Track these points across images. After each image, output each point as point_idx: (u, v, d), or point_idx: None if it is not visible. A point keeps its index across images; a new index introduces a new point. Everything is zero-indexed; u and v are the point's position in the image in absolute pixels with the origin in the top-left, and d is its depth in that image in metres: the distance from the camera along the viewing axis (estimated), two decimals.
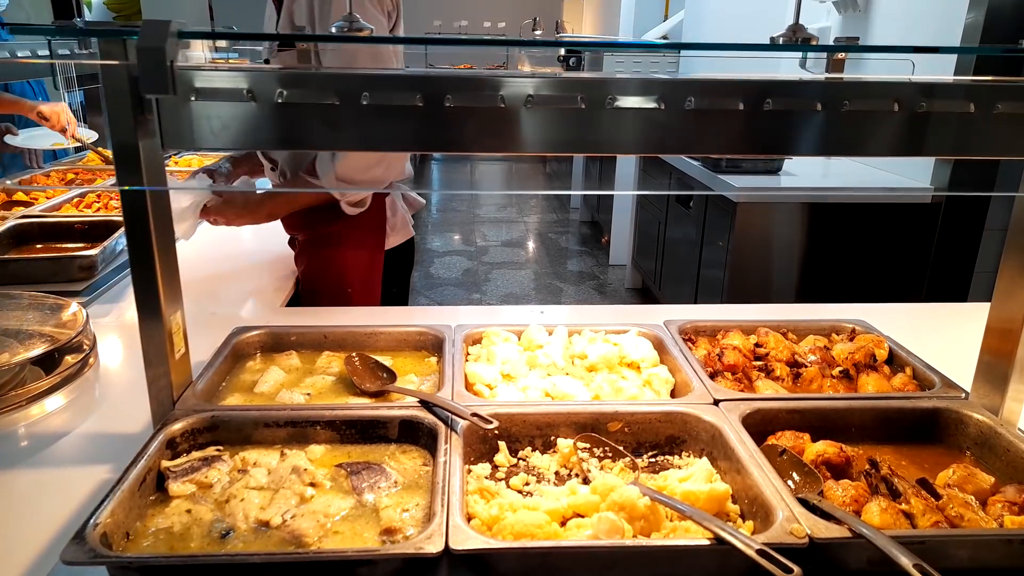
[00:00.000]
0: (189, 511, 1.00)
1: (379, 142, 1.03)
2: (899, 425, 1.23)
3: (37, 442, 1.27)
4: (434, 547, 0.87)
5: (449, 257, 6.67)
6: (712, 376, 1.33)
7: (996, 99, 1.00)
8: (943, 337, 1.71)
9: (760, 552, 0.83)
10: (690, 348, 1.45)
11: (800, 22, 0.88)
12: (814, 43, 0.88)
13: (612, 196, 6.43)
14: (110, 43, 0.96)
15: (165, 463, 1.06)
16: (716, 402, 1.22)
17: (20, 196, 2.59)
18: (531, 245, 7.22)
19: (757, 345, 1.43)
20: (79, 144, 3.29)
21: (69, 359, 1.49)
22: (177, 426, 1.11)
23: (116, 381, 1.50)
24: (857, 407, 1.23)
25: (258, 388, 1.32)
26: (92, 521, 0.88)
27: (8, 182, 2.78)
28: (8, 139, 3.19)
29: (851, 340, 1.47)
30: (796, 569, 0.80)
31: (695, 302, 4.22)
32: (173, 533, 0.96)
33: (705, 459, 1.12)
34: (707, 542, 0.89)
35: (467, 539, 0.88)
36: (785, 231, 3.75)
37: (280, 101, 0.94)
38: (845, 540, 0.89)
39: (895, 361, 1.44)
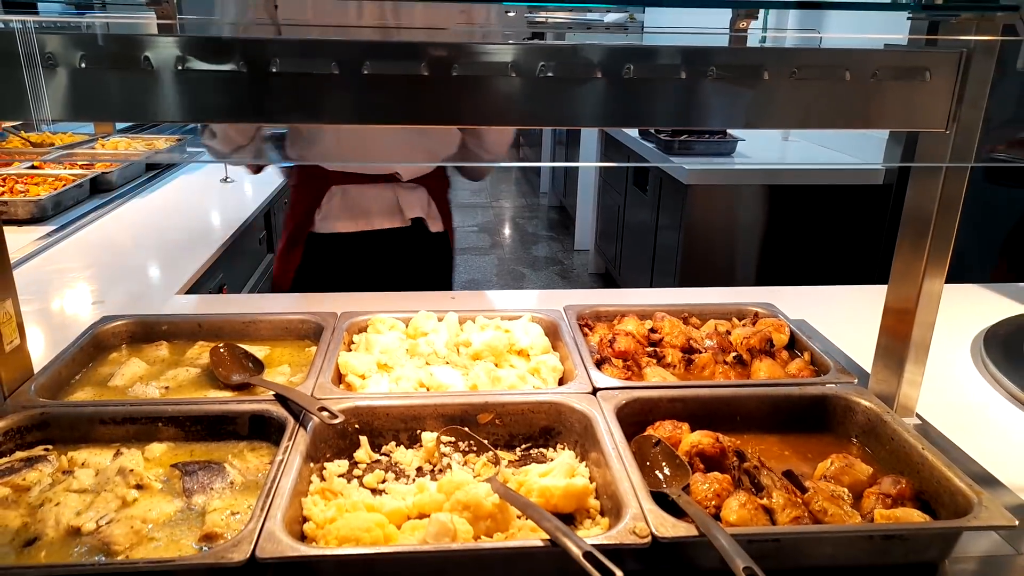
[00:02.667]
0: None
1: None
2: (787, 413, 1.16)
3: None
4: (239, 555, 0.79)
5: None
6: (600, 363, 1.26)
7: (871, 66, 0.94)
8: (859, 320, 1.65)
9: (586, 555, 0.76)
10: (586, 334, 1.37)
11: None
12: None
13: (578, 181, 6.35)
14: None
15: None
16: (595, 391, 1.15)
17: None
18: (500, 230, 7.13)
19: (652, 331, 1.36)
20: None
21: None
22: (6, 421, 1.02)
23: None
24: (743, 395, 1.17)
25: (112, 382, 1.23)
26: None
27: None
28: None
29: (753, 324, 1.41)
30: (617, 572, 0.73)
31: (651, 286, 4.16)
32: None
33: (568, 452, 1.05)
34: (540, 543, 0.82)
35: (277, 547, 0.80)
36: (738, 214, 3.70)
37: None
38: (689, 539, 0.83)
39: (796, 346, 1.37)
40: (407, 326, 1.40)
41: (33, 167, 2.72)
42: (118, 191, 2.68)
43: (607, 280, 5.61)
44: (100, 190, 2.65)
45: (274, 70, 0.88)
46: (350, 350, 1.33)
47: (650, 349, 1.33)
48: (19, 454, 1.02)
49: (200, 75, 0.88)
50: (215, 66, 0.88)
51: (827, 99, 0.99)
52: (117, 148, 3.16)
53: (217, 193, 2.88)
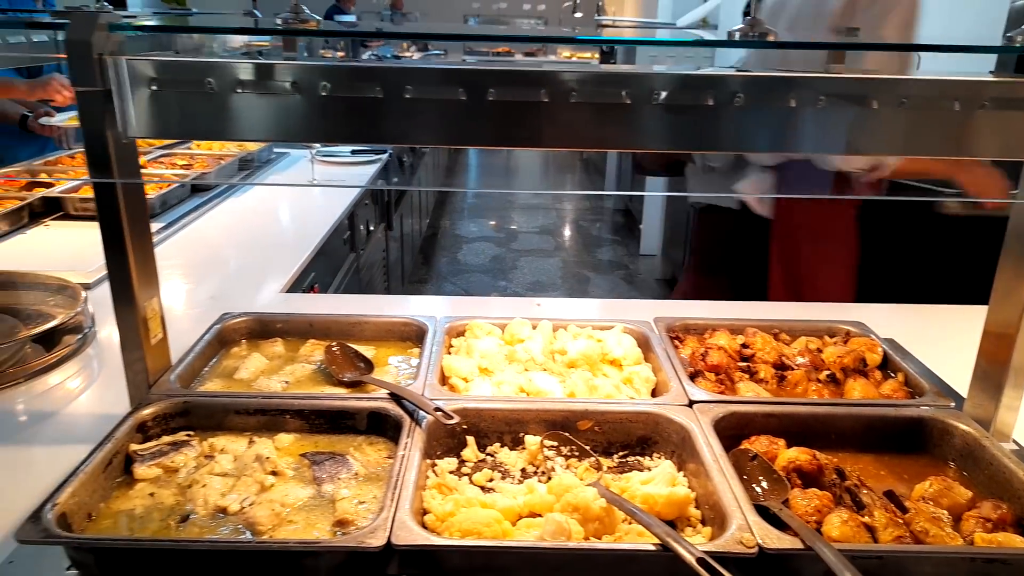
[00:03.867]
0: (152, 494, 1.02)
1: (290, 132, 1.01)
2: (882, 433, 1.18)
3: (33, 418, 1.31)
4: (377, 541, 0.87)
5: (478, 243, 6.67)
6: (694, 377, 1.30)
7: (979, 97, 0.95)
8: (953, 342, 1.64)
9: (700, 561, 0.81)
10: (677, 347, 1.42)
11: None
12: (771, 39, 0.84)
13: (646, 185, 6.35)
14: (75, 39, 0.97)
15: (134, 446, 1.08)
16: (691, 403, 1.20)
17: (43, 177, 2.66)
18: (563, 232, 7.18)
19: (744, 346, 1.40)
20: None
21: (68, 338, 1.54)
22: (148, 411, 1.13)
23: (112, 361, 1.53)
24: (838, 413, 1.19)
25: (238, 375, 1.34)
26: (51, 502, 0.91)
27: (33, 163, 2.86)
28: (44, 121, 3.28)
29: (845, 343, 1.42)
30: None
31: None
32: (134, 515, 0.99)
33: (669, 462, 1.10)
34: (652, 547, 0.87)
35: (410, 535, 0.88)
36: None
37: (239, 92, 0.94)
38: (796, 552, 0.87)
39: (889, 366, 1.39)
40: (503, 332, 1.47)
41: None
42: (214, 191, 2.84)
43: (674, 287, 5.58)
44: (198, 190, 2.81)
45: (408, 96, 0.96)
46: (449, 353, 1.41)
47: (742, 364, 1.36)
48: (165, 439, 1.12)
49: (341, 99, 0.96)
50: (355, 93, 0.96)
51: (933, 127, 1.01)
52: (211, 148, 3.34)
53: (304, 194, 3.02)
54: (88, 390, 1.42)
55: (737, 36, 0.86)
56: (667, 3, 8.04)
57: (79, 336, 1.55)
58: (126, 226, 1.10)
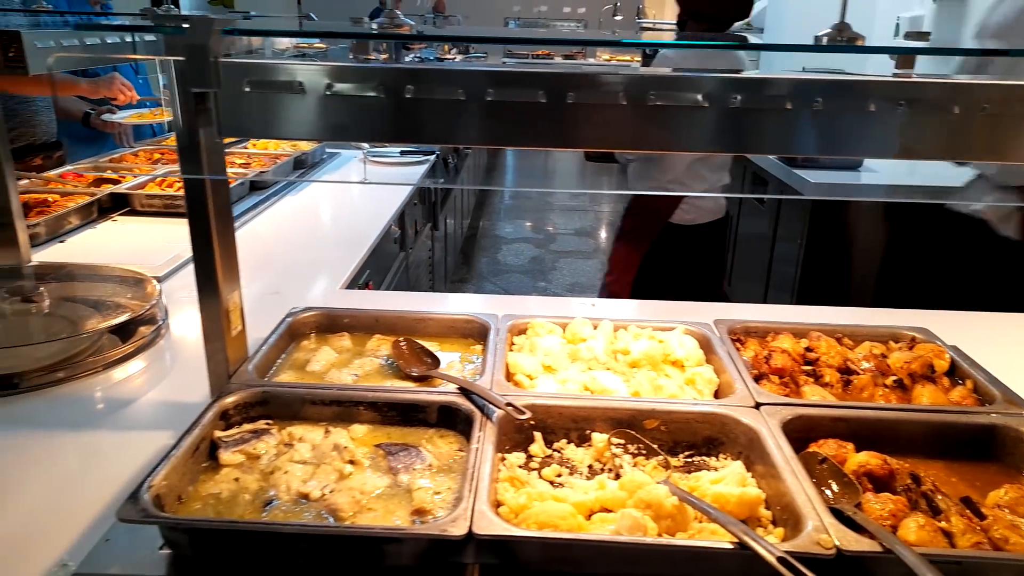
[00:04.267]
0: (237, 479, 1.06)
1: (420, 136, 1.05)
2: (952, 440, 1.17)
3: (108, 407, 1.37)
4: (458, 530, 0.89)
5: (517, 244, 6.70)
6: (758, 379, 1.31)
7: None
8: (1016, 348, 1.62)
9: (781, 560, 0.82)
10: (738, 349, 1.42)
11: (846, 20, 0.85)
12: (859, 44, 0.84)
13: None
14: (173, 37, 1.02)
15: (218, 433, 1.13)
16: (758, 405, 1.20)
17: (109, 174, 2.76)
18: (601, 234, 7.17)
19: (808, 349, 1.40)
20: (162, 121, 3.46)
21: (143, 329, 1.60)
22: (231, 399, 1.18)
23: (185, 352, 1.60)
24: (907, 419, 1.19)
25: (310, 367, 1.38)
26: (147, 483, 0.95)
27: (99, 160, 2.97)
28: (107, 117, 3.38)
29: (910, 349, 1.41)
30: None
31: (764, 300, 4.11)
32: (221, 499, 1.03)
33: (739, 462, 1.10)
34: (729, 546, 0.89)
35: (490, 525, 0.90)
36: (866, 230, 3.60)
37: (329, 94, 0.97)
38: (875, 554, 0.87)
39: (956, 373, 1.37)
40: (564, 331, 1.49)
41: None
42: (271, 189, 2.91)
43: (715, 293, 5.54)
44: (256, 188, 2.88)
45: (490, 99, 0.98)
46: (511, 351, 1.43)
47: (806, 368, 1.36)
48: (246, 426, 1.17)
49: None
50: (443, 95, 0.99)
51: (981, 130, 1.00)
52: (267, 148, 3.42)
53: (356, 194, 3.08)
54: (164, 379, 1.48)
55: (825, 41, 0.87)
56: None
57: (154, 328, 1.61)
58: (213, 221, 1.15)
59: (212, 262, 1.17)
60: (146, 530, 0.97)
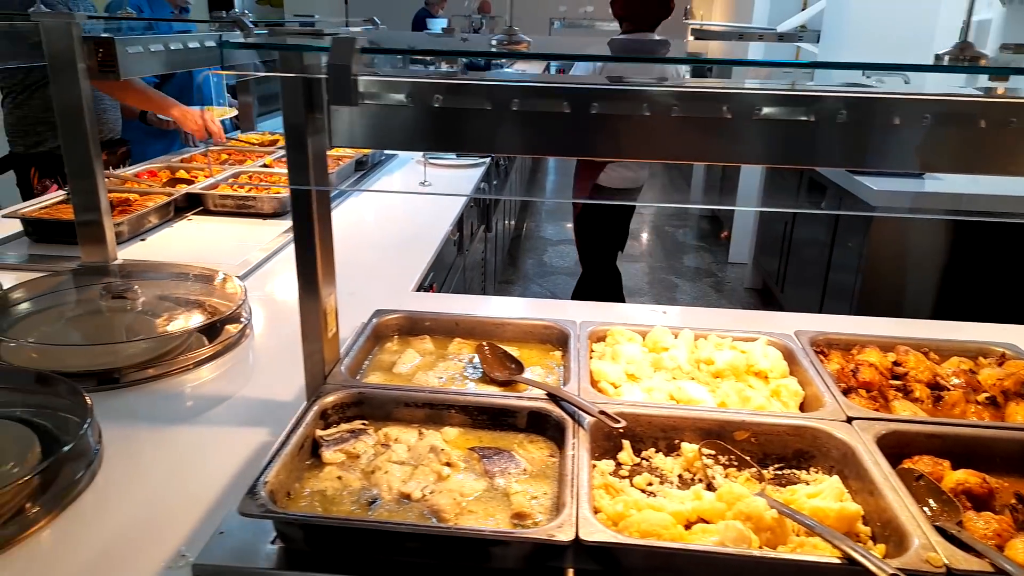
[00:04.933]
0: (340, 478, 1.10)
1: (525, 146, 1.07)
2: None
3: (202, 403, 1.42)
4: (565, 536, 0.91)
5: (562, 246, 6.70)
6: (845, 393, 1.30)
7: None
8: None
9: None
10: (821, 361, 1.41)
11: (968, 38, 0.84)
12: (983, 64, 0.84)
13: (736, 187, 6.25)
14: (288, 55, 1.06)
15: (319, 432, 1.16)
16: (849, 419, 1.20)
17: (182, 174, 2.85)
18: (646, 238, 7.14)
19: (895, 364, 1.38)
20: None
21: (229, 328, 1.65)
22: (330, 399, 1.22)
23: (268, 351, 1.65)
24: (1004, 437, 1.17)
25: (396, 368, 1.41)
26: (262, 480, 0.99)
27: (171, 160, 3.06)
28: (162, 115, 3.44)
29: (1000, 365, 1.39)
30: None
31: (821, 309, 4.05)
32: (326, 496, 1.06)
33: (836, 477, 1.10)
34: (837, 560, 0.89)
35: (596, 532, 0.92)
36: (930, 238, 3.53)
37: (437, 106, 1.00)
38: (985, 574, 0.86)
39: None
40: (643, 339, 1.50)
41: (265, 166, 3.07)
42: (335, 190, 2.97)
43: (765, 296, 5.48)
44: None
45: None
46: (591, 358, 1.45)
47: (894, 383, 1.35)
48: (344, 426, 1.20)
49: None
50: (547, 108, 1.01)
51: None
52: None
53: (417, 195, 3.12)
54: (252, 378, 1.53)
55: (946, 60, 0.87)
56: (763, 10, 7.87)
57: (239, 327, 1.67)
58: (316, 227, 1.19)
59: (314, 266, 1.21)
60: (258, 524, 1.01)
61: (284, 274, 2.09)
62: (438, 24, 9.30)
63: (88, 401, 1.22)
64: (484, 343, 1.45)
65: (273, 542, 0.99)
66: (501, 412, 1.23)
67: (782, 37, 6.31)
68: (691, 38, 9.11)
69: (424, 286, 2.33)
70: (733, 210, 6.27)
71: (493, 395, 1.28)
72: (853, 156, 1.04)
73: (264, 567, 0.96)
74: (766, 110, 0.99)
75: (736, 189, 6.25)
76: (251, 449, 1.25)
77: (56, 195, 2.38)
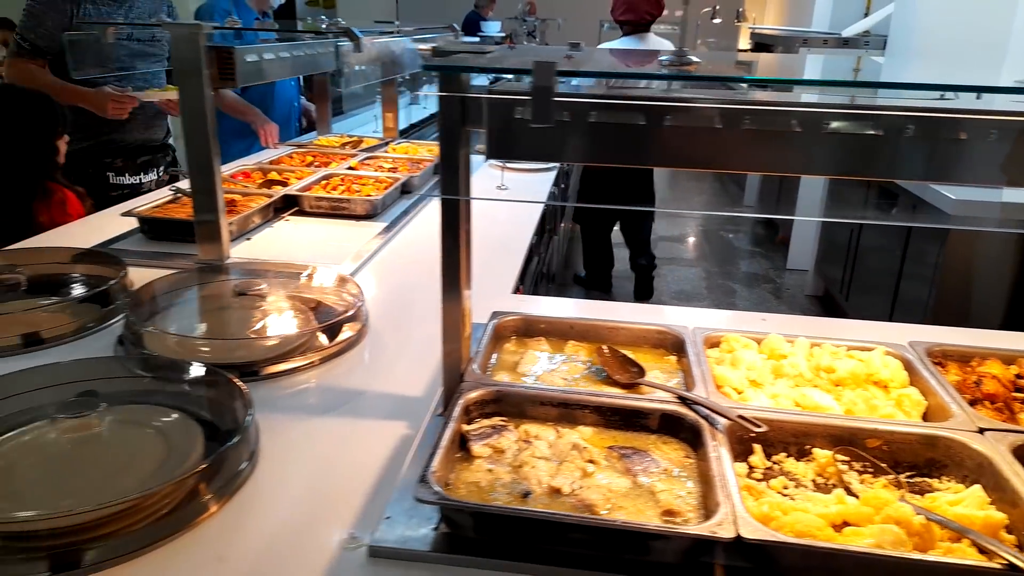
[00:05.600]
0: (490, 471, 1.16)
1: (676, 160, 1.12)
2: None
3: (336, 397, 1.49)
4: (726, 533, 0.96)
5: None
6: (971, 404, 1.32)
7: None
8: None
9: None
10: (940, 372, 1.43)
11: None
12: None
13: (796, 192, 6.19)
14: (449, 76, 1.13)
15: (465, 427, 1.23)
16: (981, 431, 1.22)
17: (274, 175, 2.96)
18: (700, 242, 7.11)
19: (1019, 376, 1.39)
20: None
21: (349, 327, 1.73)
22: (473, 395, 1.28)
23: (386, 348, 1.72)
24: None
25: (520, 368, 1.47)
26: (430, 470, 1.05)
27: (262, 162, 3.18)
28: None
29: None
30: None
31: (890, 319, 4.01)
32: (481, 488, 1.12)
33: (978, 485, 1.12)
34: (998, 566, 0.92)
35: (756, 531, 0.96)
36: (1005, 247, 3.47)
37: (591, 121, 1.06)
38: None
39: None
40: (759, 345, 1.53)
41: (351, 168, 3.16)
42: (417, 193, 3.05)
43: (827, 304, 5.43)
44: (404, 191, 3.03)
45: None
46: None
47: (1018, 395, 1.36)
48: (485, 422, 1.27)
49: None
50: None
51: None
52: (407, 152, 3.58)
53: (496, 196, 3.17)
54: (377, 374, 1.60)
55: None
56: (824, 15, 7.78)
57: (359, 326, 1.74)
58: (462, 235, 1.25)
59: (458, 270, 1.27)
60: (418, 510, 1.08)
61: (387, 274, 2.17)
62: (493, 27, 9.37)
63: (247, 393, 1.30)
64: (604, 347, 1.50)
65: (436, 528, 1.06)
66: (634, 413, 1.28)
67: (847, 43, 6.24)
68: (748, 42, 9.02)
69: (512, 288, 2.39)
70: (787, 219, 6.21)
71: (625, 396, 1.32)
72: (932, 169, 1.07)
73: (434, 550, 1.02)
74: (836, 124, 1.02)
75: (795, 194, 6.19)
76: (393, 440, 1.32)
77: (164, 195, 2.50)
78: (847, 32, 6.44)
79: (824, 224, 5.44)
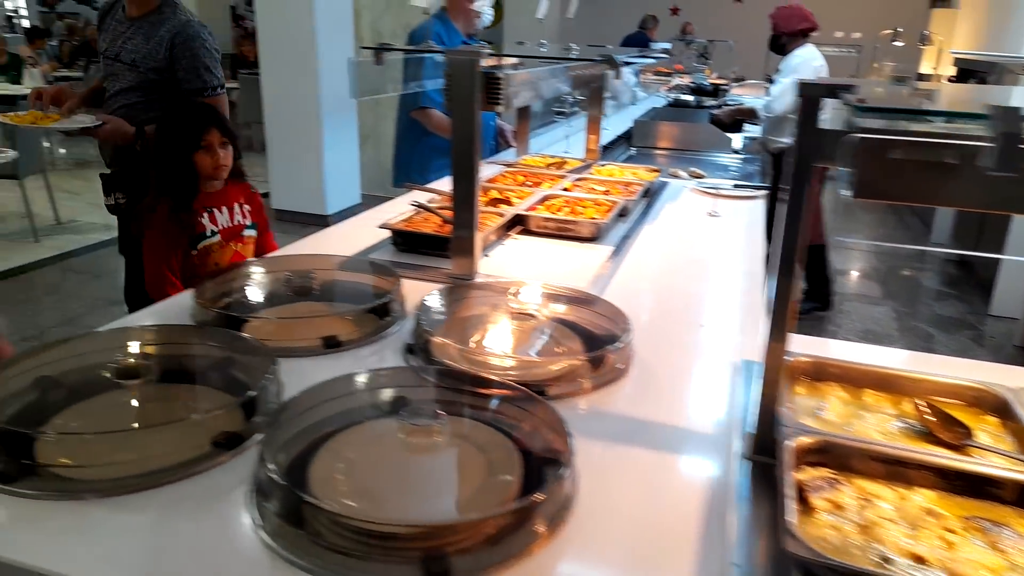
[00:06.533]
0: (836, 528, 1.10)
1: None
2: None
3: (625, 426, 1.47)
4: None
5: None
6: None
7: None
8: None
9: None
10: None
11: None
12: None
13: (1004, 231, 5.64)
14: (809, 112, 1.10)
15: (799, 476, 1.18)
16: None
17: (494, 194, 3.05)
18: (887, 279, 6.64)
19: None
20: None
21: (613, 358, 1.72)
22: (799, 442, 1.23)
23: (653, 378, 1.69)
24: None
25: (824, 415, 1.40)
26: (788, 521, 1.01)
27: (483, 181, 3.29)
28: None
29: None
30: None
31: None
32: (833, 546, 1.07)
33: None
34: None
35: None
36: None
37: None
38: None
39: None
40: None
41: (565, 190, 3.20)
42: (634, 217, 3.04)
43: None
44: (620, 214, 3.02)
45: None
46: None
47: None
48: (813, 472, 1.21)
49: None
50: None
51: None
52: (612, 175, 3.58)
53: (707, 226, 3.10)
54: (653, 404, 1.57)
55: None
56: None
57: (627, 354, 1.73)
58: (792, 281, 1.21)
59: (785, 313, 1.23)
60: (767, 560, 1.04)
61: (627, 298, 2.15)
62: (662, 48, 9.29)
63: (562, 419, 1.32)
64: (922, 401, 1.40)
65: None
66: (984, 481, 1.18)
67: None
68: (940, 68, 8.40)
69: None
70: (999, 258, 5.65)
71: (972, 461, 1.22)
72: None
73: None
74: None
75: (1005, 233, 5.64)
76: (699, 480, 1.29)
77: (409, 209, 2.63)
78: None
79: None
